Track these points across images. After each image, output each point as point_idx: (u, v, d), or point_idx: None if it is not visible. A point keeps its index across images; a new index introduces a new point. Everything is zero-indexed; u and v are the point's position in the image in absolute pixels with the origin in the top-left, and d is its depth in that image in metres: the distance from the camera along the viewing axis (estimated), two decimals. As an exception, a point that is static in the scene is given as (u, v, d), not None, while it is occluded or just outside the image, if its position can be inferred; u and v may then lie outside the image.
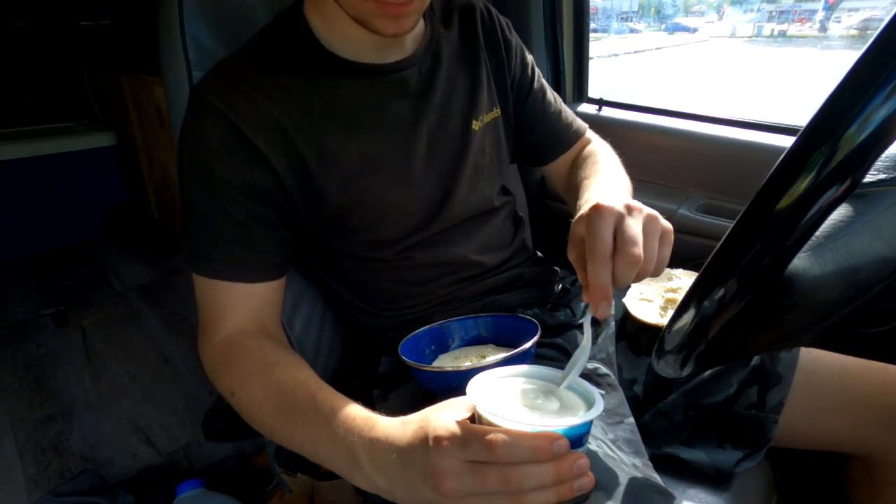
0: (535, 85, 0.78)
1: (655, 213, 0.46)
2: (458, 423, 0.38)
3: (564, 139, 0.80)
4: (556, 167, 0.82)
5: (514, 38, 0.77)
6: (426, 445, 0.39)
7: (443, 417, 0.40)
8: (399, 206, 0.64)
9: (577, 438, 0.39)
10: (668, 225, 0.47)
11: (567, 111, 0.82)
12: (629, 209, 0.45)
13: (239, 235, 0.58)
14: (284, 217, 0.61)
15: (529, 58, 0.79)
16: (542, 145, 0.80)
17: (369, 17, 0.53)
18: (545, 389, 0.44)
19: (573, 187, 0.70)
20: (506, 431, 0.36)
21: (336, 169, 0.60)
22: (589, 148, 0.79)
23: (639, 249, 0.43)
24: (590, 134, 0.83)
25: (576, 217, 0.48)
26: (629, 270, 0.42)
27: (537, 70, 0.80)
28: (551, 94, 0.81)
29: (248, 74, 0.58)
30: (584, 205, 0.55)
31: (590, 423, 0.40)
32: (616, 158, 0.75)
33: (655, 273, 0.46)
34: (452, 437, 0.38)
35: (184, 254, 0.60)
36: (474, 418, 0.40)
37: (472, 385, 0.41)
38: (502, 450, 0.36)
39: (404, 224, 0.66)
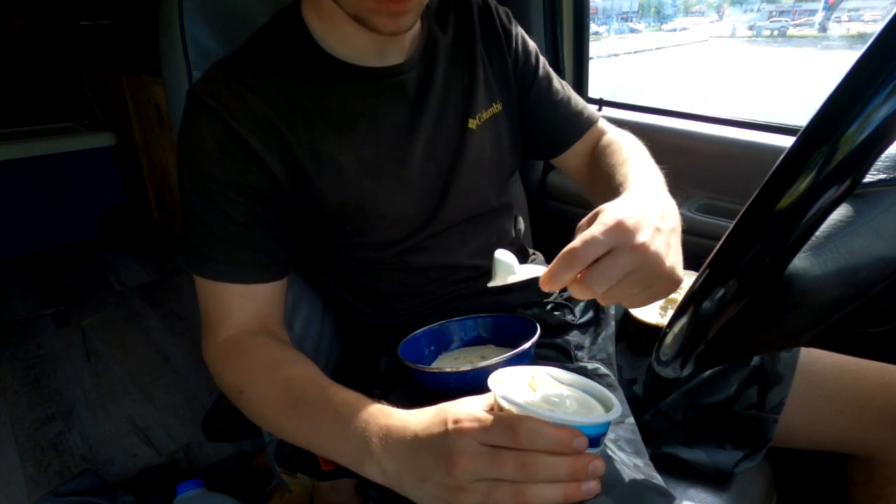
0: (540, 73, 0.75)
1: (660, 260, 0.42)
2: (480, 409, 0.40)
3: (576, 127, 0.76)
4: (571, 158, 0.78)
5: (514, 28, 0.74)
6: (444, 428, 0.40)
7: (462, 405, 0.42)
8: (395, 210, 0.64)
9: (595, 438, 0.39)
10: (668, 276, 0.43)
11: (577, 99, 0.78)
12: (636, 248, 0.41)
13: (238, 236, 0.58)
14: (283, 218, 0.61)
15: (532, 46, 0.76)
16: (554, 135, 0.77)
17: (368, 16, 0.53)
18: (564, 391, 0.44)
19: (601, 177, 0.66)
20: (529, 419, 0.37)
21: (332, 172, 0.60)
22: (608, 137, 0.73)
23: (603, 288, 0.41)
24: (605, 125, 0.78)
25: (603, 206, 0.45)
26: (582, 292, 0.42)
27: (542, 58, 0.76)
28: (558, 83, 0.77)
29: (244, 76, 0.58)
30: (622, 192, 0.51)
31: (608, 423, 0.40)
32: (641, 147, 0.69)
33: (632, 305, 0.45)
34: (474, 419, 0.39)
35: (183, 256, 0.60)
36: (493, 412, 0.41)
37: (493, 379, 0.42)
38: (525, 435, 0.37)
39: (400, 228, 0.66)
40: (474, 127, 0.68)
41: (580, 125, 0.76)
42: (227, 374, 0.56)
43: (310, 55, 0.61)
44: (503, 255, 0.52)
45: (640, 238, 0.41)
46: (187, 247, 0.59)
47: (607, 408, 0.41)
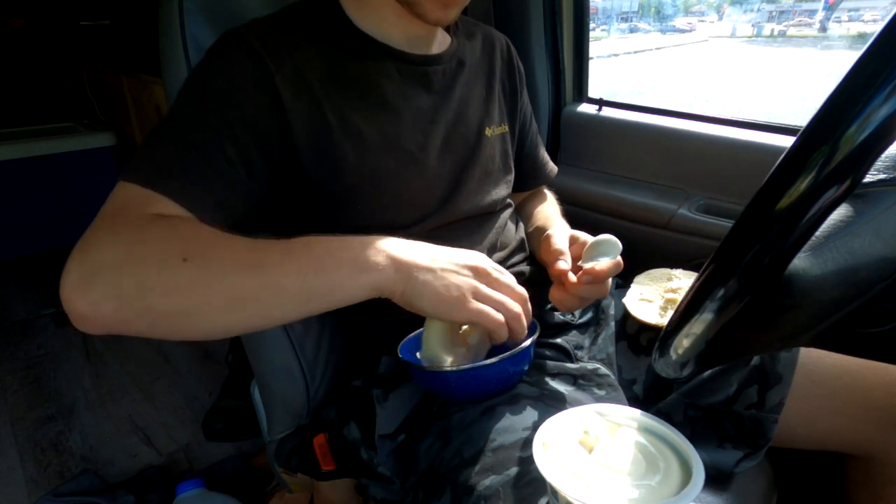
0: (532, 124, 0.87)
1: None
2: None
3: (542, 175, 0.90)
4: (517, 196, 0.89)
5: (524, 81, 0.84)
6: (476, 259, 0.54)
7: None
8: (410, 192, 0.65)
9: None
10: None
11: (544, 153, 0.91)
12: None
13: (218, 168, 0.53)
14: (274, 177, 0.58)
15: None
16: (524, 176, 0.87)
17: (419, 1, 0.56)
18: (622, 446, 0.39)
19: (529, 214, 0.86)
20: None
21: (356, 143, 0.61)
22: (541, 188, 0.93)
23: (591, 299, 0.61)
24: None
25: (579, 234, 0.65)
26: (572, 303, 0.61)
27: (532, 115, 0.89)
28: (538, 136, 0.91)
29: (290, 34, 0.60)
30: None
31: None
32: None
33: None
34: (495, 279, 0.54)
35: (135, 165, 0.52)
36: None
37: (539, 442, 0.39)
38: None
39: (412, 211, 0.67)
40: (490, 135, 0.73)
41: (543, 177, 0.91)
42: (158, 242, 0.46)
43: (344, 31, 0.63)
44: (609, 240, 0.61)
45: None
46: (153, 161, 0.52)
47: (676, 451, 0.38)
